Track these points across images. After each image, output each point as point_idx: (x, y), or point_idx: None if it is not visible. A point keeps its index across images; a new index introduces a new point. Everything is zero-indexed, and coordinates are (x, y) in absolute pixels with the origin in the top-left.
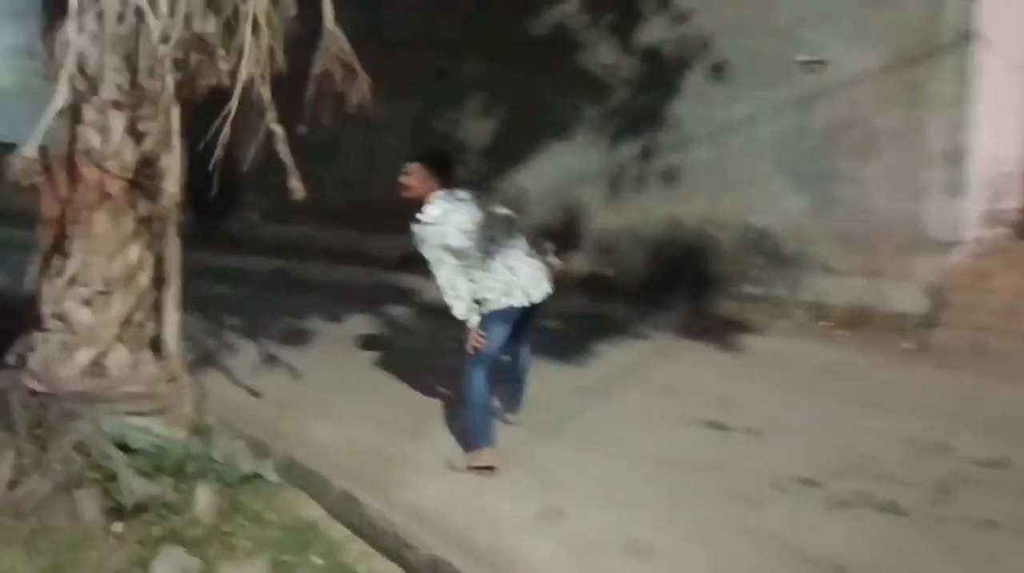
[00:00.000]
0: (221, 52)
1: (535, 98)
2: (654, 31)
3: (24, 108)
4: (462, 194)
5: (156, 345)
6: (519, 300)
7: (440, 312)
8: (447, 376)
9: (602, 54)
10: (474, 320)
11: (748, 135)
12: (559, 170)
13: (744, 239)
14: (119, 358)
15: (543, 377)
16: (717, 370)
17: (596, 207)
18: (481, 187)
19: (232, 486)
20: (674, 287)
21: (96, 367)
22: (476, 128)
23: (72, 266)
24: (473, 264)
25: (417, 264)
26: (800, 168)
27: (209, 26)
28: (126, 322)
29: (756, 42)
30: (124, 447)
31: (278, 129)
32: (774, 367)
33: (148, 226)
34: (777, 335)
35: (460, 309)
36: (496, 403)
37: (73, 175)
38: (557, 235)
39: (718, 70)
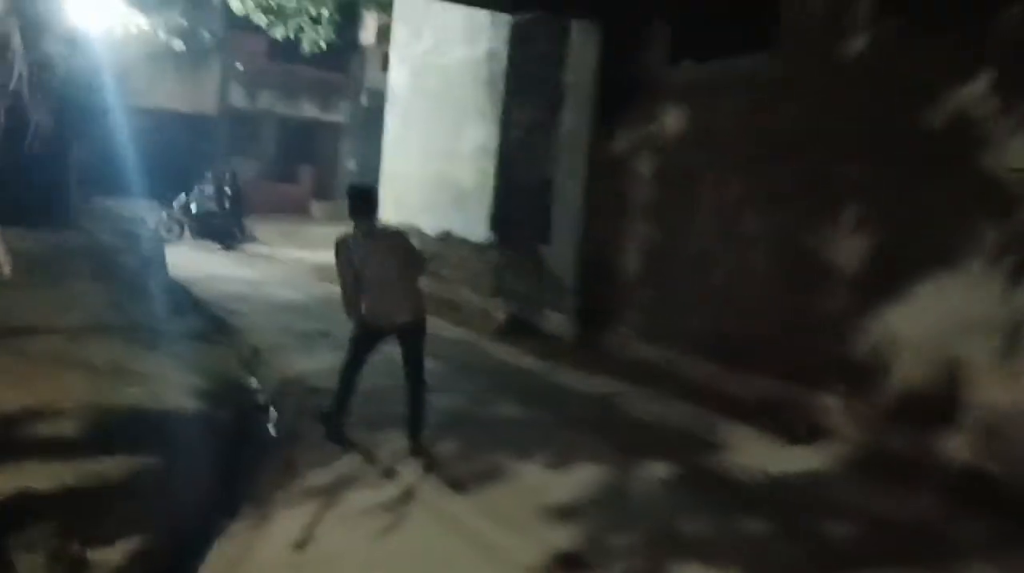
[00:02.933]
0: None
1: (921, 210)
2: None
3: (480, 206)
4: (375, 229)
5: None
6: (377, 322)
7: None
8: None
9: (1014, 152)
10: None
11: None
12: (940, 312)
13: None
14: None
15: None
16: None
17: (984, 371)
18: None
19: None
20: None
21: None
22: (849, 247)
23: None
24: (362, 284)
25: (774, 414)
26: None
27: None
28: None
29: None
30: None
31: None
32: None
33: None
34: None
35: (347, 311)
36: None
37: None
38: (929, 401)
39: None
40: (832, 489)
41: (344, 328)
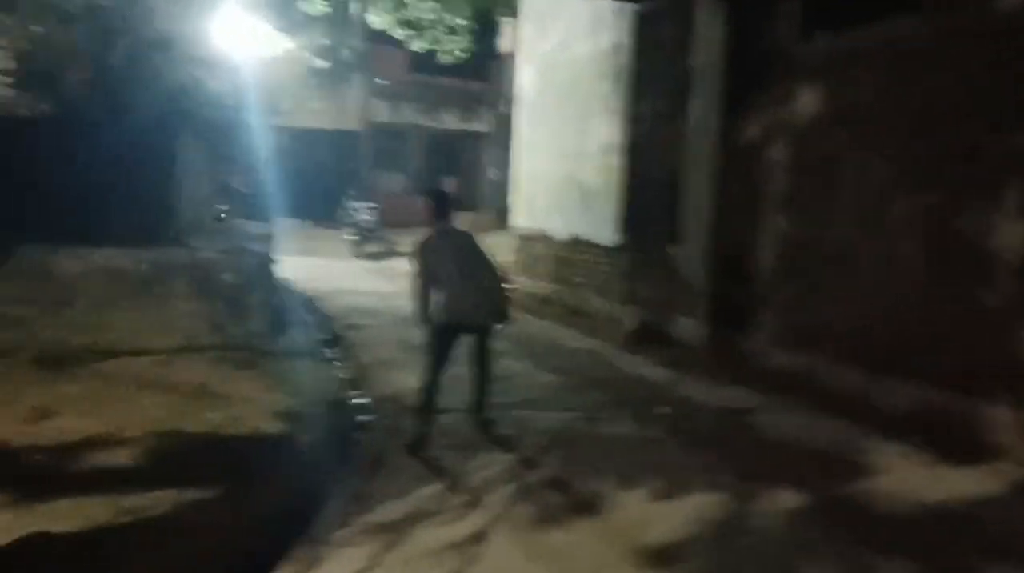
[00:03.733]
0: None
1: None
2: None
3: (607, 207)
4: (451, 229)
5: None
6: (454, 319)
7: None
8: None
9: None
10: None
11: None
12: None
13: None
14: None
15: None
16: None
17: None
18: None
19: None
20: None
21: None
22: (1016, 231)
23: None
24: (438, 284)
25: (919, 431)
26: None
27: None
28: None
29: None
30: None
31: None
32: None
33: None
34: None
35: (416, 315)
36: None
37: None
38: None
39: None
40: (1000, 520)
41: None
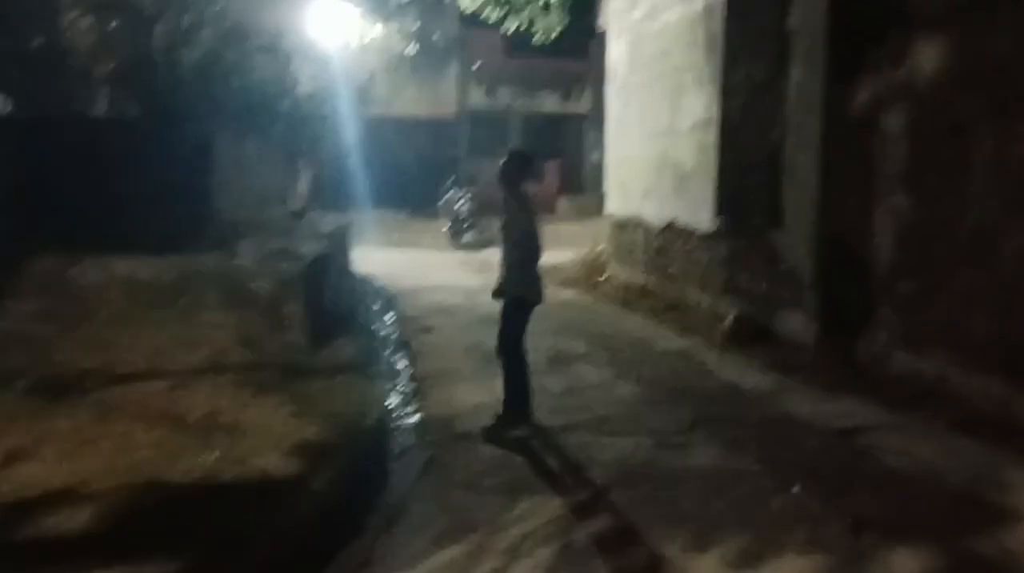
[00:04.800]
0: None
1: None
2: None
3: (703, 189)
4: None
5: None
6: (534, 298)
7: None
8: None
9: None
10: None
11: None
12: None
13: None
14: None
15: None
16: None
17: None
18: None
19: None
20: None
21: None
22: None
23: None
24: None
25: None
26: None
27: None
28: None
29: None
30: None
31: None
32: None
33: None
34: None
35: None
36: None
37: None
38: None
39: None
40: None
41: (543, 341)
